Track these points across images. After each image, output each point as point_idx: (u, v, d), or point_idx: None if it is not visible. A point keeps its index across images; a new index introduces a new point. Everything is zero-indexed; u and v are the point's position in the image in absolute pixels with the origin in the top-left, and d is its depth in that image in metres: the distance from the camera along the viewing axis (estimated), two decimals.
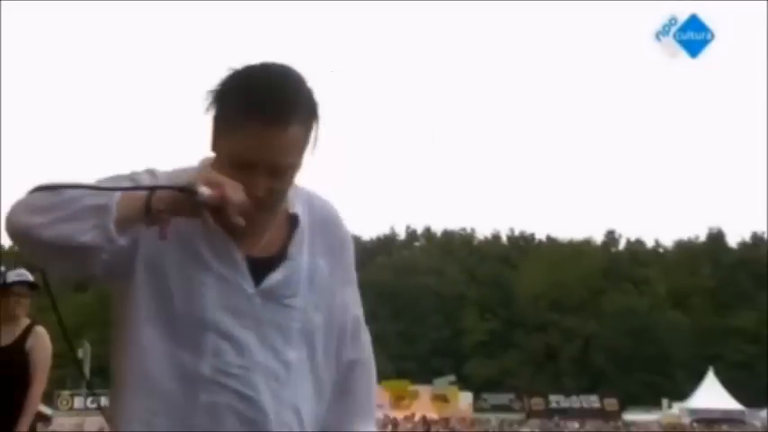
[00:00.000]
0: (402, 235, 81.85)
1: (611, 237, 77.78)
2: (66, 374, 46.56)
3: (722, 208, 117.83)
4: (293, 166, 1.90)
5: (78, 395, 46.58)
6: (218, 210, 1.79)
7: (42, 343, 6.27)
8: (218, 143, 1.90)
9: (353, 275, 2.19)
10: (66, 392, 46.98)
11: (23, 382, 6.09)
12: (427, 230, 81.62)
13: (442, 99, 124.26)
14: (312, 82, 1.96)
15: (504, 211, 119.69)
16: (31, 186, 1.86)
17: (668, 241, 77.74)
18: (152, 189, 1.79)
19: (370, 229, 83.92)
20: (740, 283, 69.99)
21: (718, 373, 50.94)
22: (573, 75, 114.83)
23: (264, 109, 1.82)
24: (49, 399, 39.59)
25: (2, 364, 6.13)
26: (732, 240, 75.26)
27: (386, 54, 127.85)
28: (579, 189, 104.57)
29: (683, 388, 53.09)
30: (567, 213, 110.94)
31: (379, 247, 78.47)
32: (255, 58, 1.93)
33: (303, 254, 2.00)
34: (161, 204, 1.79)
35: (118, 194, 1.82)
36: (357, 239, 78.60)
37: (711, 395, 48.29)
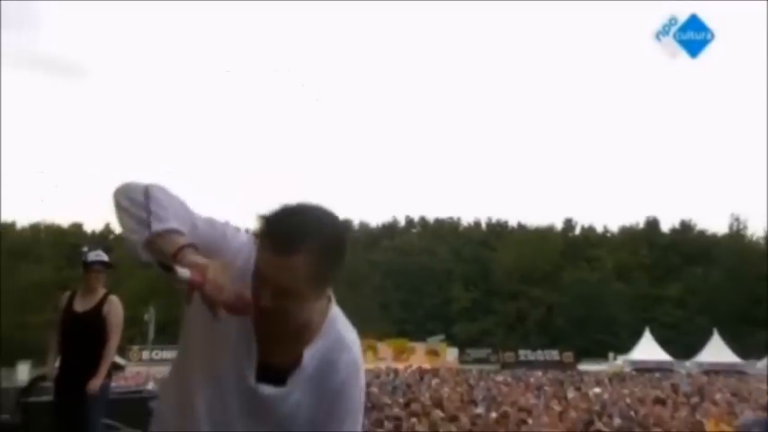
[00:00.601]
0: (402, 222, 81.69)
1: (568, 224, 77.58)
2: (136, 333, 46.81)
3: (657, 200, 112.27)
4: (297, 292, 1.77)
5: (145, 349, 46.81)
6: (196, 289, 1.75)
7: (116, 308, 6.30)
8: None
9: (347, 422, 1.98)
10: (135, 347, 47.18)
11: (101, 339, 6.13)
12: (422, 219, 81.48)
13: (437, 103, 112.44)
14: (342, 227, 1.87)
15: (484, 203, 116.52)
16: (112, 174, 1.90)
17: (614, 227, 77.52)
18: (165, 267, 1.79)
19: (376, 218, 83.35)
20: (671, 261, 69.95)
21: (653, 332, 51.06)
22: (572, 75, 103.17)
23: (275, 240, 1.76)
24: (122, 352, 39.75)
25: (84, 326, 6.18)
26: (665, 226, 75.22)
27: (385, 58, 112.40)
28: (544, 185, 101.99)
29: (626, 344, 53.08)
30: (534, 205, 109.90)
31: (383, 233, 78.38)
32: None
33: (296, 390, 1.91)
34: (181, 262, 1.78)
35: (171, 225, 1.85)
36: (366, 226, 78.66)
37: (647, 349, 48.44)
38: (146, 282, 48.77)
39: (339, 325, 1.96)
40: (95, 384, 5.99)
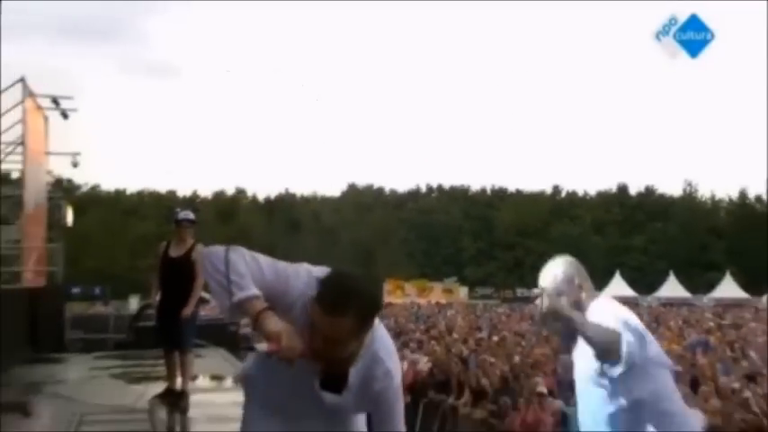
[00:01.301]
0: (423, 189, 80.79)
1: (556, 189, 76.57)
2: None
3: (627, 169, 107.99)
4: (341, 342, 1.81)
5: None
6: (275, 354, 1.81)
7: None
8: None
9: (393, 414, 2.01)
10: None
11: (191, 277, 6.15)
12: (439, 186, 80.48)
13: (446, 93, 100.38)
14: (379, 292, 1.88)
15: (489, 172, 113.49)
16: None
17: (592, 191, 76.36)
18: (250, 348, 1.96)
19: (403, 185, 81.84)
20: (637, 218, 69.30)
21: (622, 274, 50.82)
22: (572, 74, 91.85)
23: (326, 302, 1.78)
24: (206, 288, 40.22)
25: (178, 268, 6.23)
26: (633, 190, 74.08)
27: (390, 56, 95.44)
28: (538, 159, 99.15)
29: (600, 283, 52.45)
30: (529, 174, 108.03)
31: (408, 197, 77.82)
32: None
33: (348, 397, 1.95)
34: (260, 327, 1.83)
35: (248, 293, 1.83)
36: (395, 191, 78.13)
37: (617, 288, 47.99)
38: (224, 236, 49.36)
39: (377, 344, 1.95)
40: (187, 312, 6.07)
